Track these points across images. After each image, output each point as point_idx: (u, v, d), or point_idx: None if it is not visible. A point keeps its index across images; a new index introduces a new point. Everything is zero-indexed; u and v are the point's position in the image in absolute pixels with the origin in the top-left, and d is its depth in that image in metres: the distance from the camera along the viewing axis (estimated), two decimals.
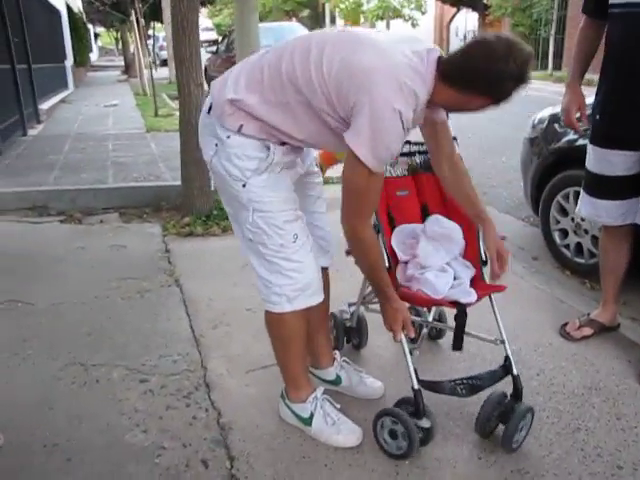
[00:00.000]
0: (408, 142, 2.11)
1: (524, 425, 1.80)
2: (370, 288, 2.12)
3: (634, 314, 2.81)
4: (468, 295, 1.84)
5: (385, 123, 1.48)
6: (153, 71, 14.70)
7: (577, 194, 3.15)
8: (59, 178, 4.95)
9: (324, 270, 1.98)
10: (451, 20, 27.11)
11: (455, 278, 1.93)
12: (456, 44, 27.41)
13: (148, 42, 13.86)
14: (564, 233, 3.34)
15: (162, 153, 6.14)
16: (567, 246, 3.31)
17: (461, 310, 1.80)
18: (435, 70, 1.54)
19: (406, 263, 1.97)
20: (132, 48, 21.62)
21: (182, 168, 4.15)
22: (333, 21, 32.78)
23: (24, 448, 1.82)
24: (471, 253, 2.03)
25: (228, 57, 13.53)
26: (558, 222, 3.34)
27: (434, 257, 1.93)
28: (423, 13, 23.78)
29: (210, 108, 1.73)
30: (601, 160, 2.35)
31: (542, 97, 12.42)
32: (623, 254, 2.51)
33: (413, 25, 23.49)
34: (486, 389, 1.84)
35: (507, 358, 1.88)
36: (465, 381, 1.82)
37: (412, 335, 1.78)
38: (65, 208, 4.43)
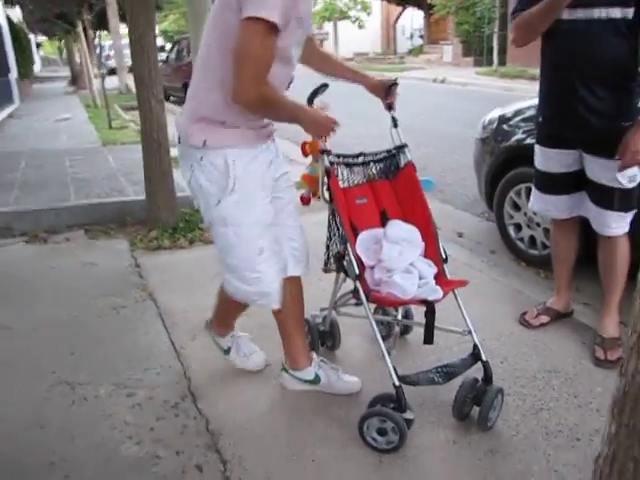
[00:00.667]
0: (363, 154, 2.27)
1: (496, 405, 1.98)
2: (339, 295, 2.28)
3: (586, 299, 3.02)
4: (435, 292, 1.99)
5: None
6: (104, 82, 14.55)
7: (528, 190, 3.37)
8: (19, 198, 4.91)
9: (298, 278, 2.16)
10: (397, 19, 27.59)
11: (420, 277, 2.08)
12: (403, 42, 27.90)
13: (96, 52, 13.60)
14: (518, 227, 3.55)
15: (121, 167, 6.14)
16: (521, 239, 3.52)
17: (430, 307, 1.95)
18: None
19: (372, 268, 2.10)
20: (78, 58, 21.25)
21: (146, 183, 4.20)
22: None
23: (21, 469, 1.88)
24: (431, 252, 2.18)
25: (179, 66, 13.46)
26: (512, 217, 3.55)
27: (398, 260, 2.07)
28: (369, 14, 24.11)
29: (179, 138, 1.97)
30: (546, 159, 2.55)
31: (490, 93, 12.87)
32: (572, 245, 2.71)
33: (360, 26, 23.80)
34: (459, 375, 2.00)
35: (475, 346, 2.05)
36: (440, 369, 1.98)
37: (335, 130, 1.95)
38: (29, 228, 4.41)
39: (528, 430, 1.98)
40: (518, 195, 3.48)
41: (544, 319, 2.73)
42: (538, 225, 3.38)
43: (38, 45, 41.24)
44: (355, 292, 2.00)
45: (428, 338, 1.96)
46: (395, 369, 1.91)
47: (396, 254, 2.06)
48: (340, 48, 24.17)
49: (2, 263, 3.76)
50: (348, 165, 2.23)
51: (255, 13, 1.63)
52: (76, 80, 19.16)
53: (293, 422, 2.08)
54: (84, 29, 12.65)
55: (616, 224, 2.42)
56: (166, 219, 4.12)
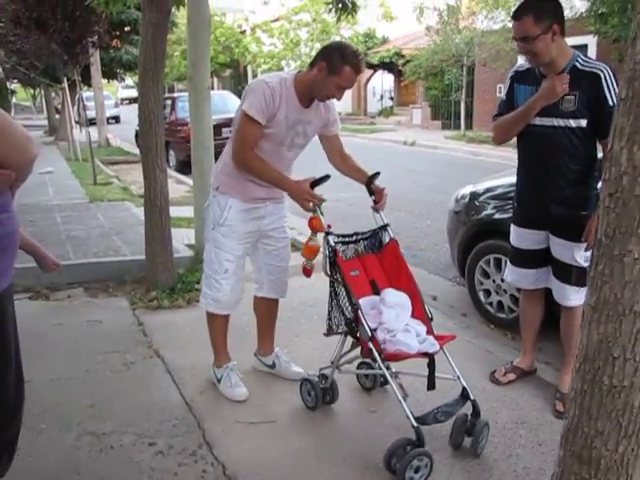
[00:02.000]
0: (356, 233, 2.73)
1: (484, 436, 2.41)
2: (338, 354, 2.65)
3: (548, 358, 3.43)
4: (434, 346, 2.43)
5: (253, 87, 2.63)
6: (82, 134, 14.85)
7: (496, 260, 3.84)
8: (19, 254, 5.15)
9: (275, 300, 3.12)
10: (368, 81, 28.82)
11: (417, 335, 2.47)
12: (374, 103, 29.13)
13: (78, 105, 13.95)
14: (487, 293, 3.98)
15: (113, 225, 6.43)
16: (490, 304, 3.95)
17: (432, 359, 2.35)
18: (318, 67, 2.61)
19: (374, 330, 2.48)
20: (57, 106, 21.51)
21: (146, 245, 4.51)
22: None
23: None
24: (418, 313, 2.60)
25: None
26: (482, 283, 3.99)
27: (396, 322, 2.49)
28: None
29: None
30: (519, 237, 3.01)
31: (458, 157, 13.64)
32: (538, 312, 3.14)
33: None
34: (456, 413, 2.40)
35: (464, 389, 2.46)
36: (441, 410, 2.37)
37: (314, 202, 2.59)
38: (31, 285, 4.65)
39: (500, 473, 2.34)
40: (487, 264, 3.92)
41: (511, 377, 3.12)
42: (505, 292, 3.81)
43: (12, 92, 41.51)
44: (368, 352, 2.38)
45: (431, 384, 2.36)
46: (412, 413, 2.27)
47: (394, 317, 2.47)
48: None
49: None
50: (344, 243, 2.65)
51: (244, 108, 2.59)
52: (55, 131, 19.42)
53: (299, 465, 2.40)
54: (69, 85, 13.07)
55: (574, 296, 2.84)
56: (165, 280, 4.43)
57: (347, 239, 2.69)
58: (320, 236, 2.66)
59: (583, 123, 2.64)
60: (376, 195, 2.77)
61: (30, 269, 4.80)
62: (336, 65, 2.56)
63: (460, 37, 16.55)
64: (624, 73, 0.95)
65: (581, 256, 2.77)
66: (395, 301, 2.57)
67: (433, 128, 20.31)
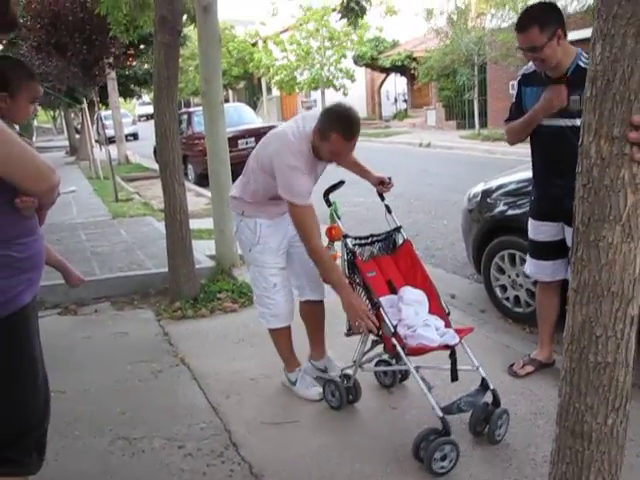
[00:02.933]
0: (371, 235, 2.84)
1: (502, 423, 2.48)
2: (361, 353, 2.73)
3: None
4: (454, 339, 2.52)
5: (287, 175, 2.58)
6: (102, 152, 15.19)
7: (510, 256, 3.89)
8: (48, 272, 5.33)
9: (319, 302, 3.08)
10: (381, 85, 28.92)
11: (436, 329, 2.56)
12: (388, 107, 29.22)
13: (97, 124, 14.29)
14: (504, 288, 4.02)
15: (136, 240, 6.60)
16: (507, 299, 4.00)
17: (453, 351, 2.46)
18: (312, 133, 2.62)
19: (395, 327, 2.56)
20: (77, 126, 22.02)
21: (169, 257, 4.65)
22: (269, 91, 34.22)
23: None
24: (435, 309, 2.69)
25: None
26: (498, 279, 4.04)
27: (415, 318, 2.59)
28: (353, 81, 25.36)
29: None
30: (536, 229, 3.10)
31: (474, 156, 13.63)
32: (554, 305, 3.19)
33: (344, 94, 24.99)
34: (479, 403, 2.50)
35: (484, 379, 2.55)
36: (463, 400, 2.47)
37: (375, 328, 2.52)
38: (59, 301, 4.82)
39: (519, 461, 2.40)
40: (502, 260, 3.97)
41: (529, 369, 3.17)
42: (521, 286, 3.86)
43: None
44: (392, 347, 2.48)
45: (454, 376, 2.48)
46: (438, 403, 2.37)
47: (413, 313, 2.56)
48: None
49: (42, 334, 4.15)
50: (360, 245, 2.75)
51: (297, 202, 2.60)
52: (75, 151, 19.88)
53: (323, 462, 2.48)
54: (89, 105, 13.42)
55: None
56: (188, 291, 4.56)
57: (363, 241, 2.80)
58: (337, 245, 2.77)
59: None
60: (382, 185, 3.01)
61: (58, 286, 4.99)
62: (325, 132, 2.54)
63: (470, 37, 16.57)
64: (588, 73, 1.03)
65: None
66: (413, 298, 2.67)
67: (448, 128, 20.31)
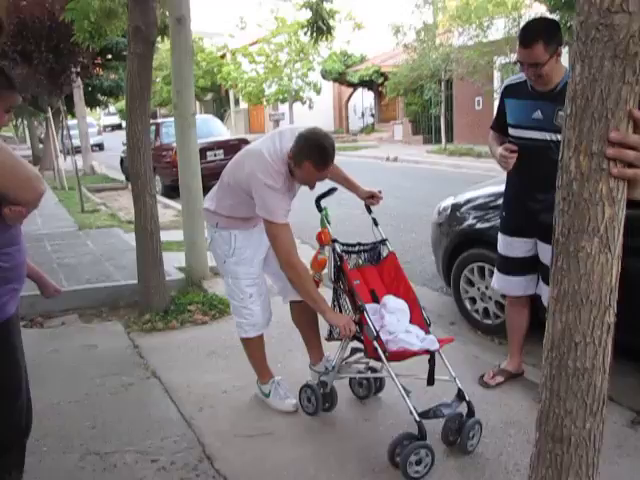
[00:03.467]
0: (359, 244, 2.91)
1: (474, 433, 2.51)
2: (339, 359, 2.78)
3: (535, 361, 3.54)
4: (434, 344, 2.58)
5: (265, 195, 2.58)
6: (66, 163, 14.92)
7: (480, 268, 3.97)
8: None
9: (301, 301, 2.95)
10: (349, 99, 29.21)
11: (416, 335, 2.64)
12: (355, 121, 29.53)
13: (64, 134, 14.04)
14: (473, 300, 4.10)
15: (103, 252, 6.49)
16: (476, 311, 4.08)
17: (432, 355, 2.52)
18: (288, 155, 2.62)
19: (377, 331, 2.59)
20: (40, 136, 21.59)
21: (139, 269, 4.59)
22: (237, 103, 34.20)
23: None
24: (417, 319, 2.76)
25: None
26: (467, 292, 4.11)
27: (398, 325, 2.64)
28: (318, 93, 25.54)
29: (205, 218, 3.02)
30: (507, 245, 3.14)
31: (441, 170, 13.84)
32: (524, 317, 3.26)
33: (310, 107, 25.18)
34: (454, 410, 2.55)
35: (460, 390, 2.59)
36: (441, 407, 2.52)
37: (353, 330, 2.61)
38: (25, 313, 4.67)
39: (491, 470, 2.44)
40: (471, 273, 4.05)
41: (499, 379, 3.24)
42: (490, 298, 3.94)
43: None
44: (373, 351, 2.52)
45: (431, 380, 2.55)
46: (415, 408, 2.41)
47: (395, 321, 2.61)
48: None
49: None
50: (348, 252, 2.79)
51: (273, 220, 2.62)
52: (39, 161, 19.45)
53: (299, 474, 2.48)
54: (54, 113, 13.18)
55: None
56: (158, 303, 4.50)
57: (350, 249, 2.86)
58: (327, 248, 2.82)
59: None
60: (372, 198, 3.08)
61: (24, 297, 4.88)
62: (298, 158, 2.56)
63: (437, 53, 16.90)
64: (567, 92, 1.09)
65: None
66: (396, 306, 2.73)
67: (415, 143, 20.62)
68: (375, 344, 2.52)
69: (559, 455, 1.21)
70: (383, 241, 2.93)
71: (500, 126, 3.06)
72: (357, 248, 2.86)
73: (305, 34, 5.47)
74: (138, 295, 4.65)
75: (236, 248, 2.87)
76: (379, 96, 26.26)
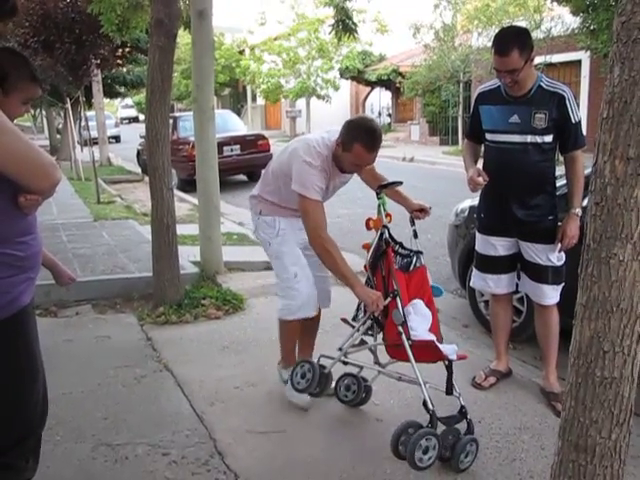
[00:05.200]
0: (401, 245, 2.88)
1: (469, 452, 2.45)
2: (349, 344, 2.79)
3: (525, 358, 3.60)
4: (453, 354, 2.56)
5: (302, 169, 2.69)
6: (83, 153, 15.01)
7: None
8: None
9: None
10: (366, 98, 29.14)
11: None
12: None
13: (82, 125, 14.11)
14: (488, 304, 4.05)
15: (118, 243, 6.51)
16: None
17: (450, 364, 2.51)
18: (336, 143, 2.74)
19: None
20: (58, 126, 21.77)
21: (154, 262, 4.60)
22: (254, 99, 34.24)
23: None
24: (435, 331, 2.72)
25: None
26: (482, 295, 4.08)
27: (420, 326, 2.64)
28: (336, 90, 25.49)
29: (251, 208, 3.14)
30: (486, 244, 3.18)
31: (457, 172, 13.70)
32: (509, 315, 3.33)
33: (327, 101, 25.11)
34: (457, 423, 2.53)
35: (462, 407, 2.55)
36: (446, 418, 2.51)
37: (381, 307, 2.60)
38: (39, 302, 4.72)
39: (504, 477, 2.42)
40: None
41: (492, 380, 3.25)
42: None
43: None
44: (396, 336, 2.53)
45: (449, 390, 2.52)
46: (430, 398, 2.41)
47: (419, 323, 2.63)
48: (312, 124, 25.49)
49: None
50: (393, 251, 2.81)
51: (305, 194, 2.70)
52: (56, 151, 19.61)
53: (310, 473, 2.47)
54: (71, 105, 13.27)
55: (551, 294, 3.03)
56: (172, 296, 4.51)
57: (393, 244, 2.82)
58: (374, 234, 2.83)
59: (547, 139, 2.87)
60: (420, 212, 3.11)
61: (39, 286, 4.91)
62: (347, 142, 2.66)
63: (456, 54, 16.80)
64: (604, 95, 1.06)
65: (555, 256, 2.97)
66: (423, 312, 2.72)
67: (431, 144, 20.51)
68: (400, 329, 2.51)
69: (582, 465, 1.18)
70: (419, 252, 2.92)
71: (475, 134, 3.15)
72: (397, 248, 2.84)
73: (330, 33, 5.44)
74: (152, 288, 4.66)
75: (280, 229, 2.96)
76: (396, 96, 26.16)
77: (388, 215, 2.84)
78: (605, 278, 1.07)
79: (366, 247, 2.84)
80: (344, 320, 2.91)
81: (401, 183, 2.94)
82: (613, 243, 1.05)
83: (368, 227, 2.80)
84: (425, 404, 2.42)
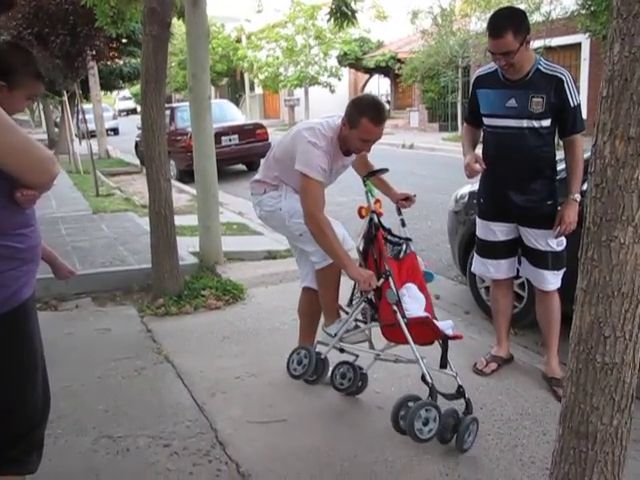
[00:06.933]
0: (390, 231, 2.87)
1: (471, 432, 2.45)
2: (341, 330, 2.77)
3: (526, 343, 3.59)
4: (449, 329, 2.57)
5: (306, 148, 2.69)
6: (81, 147, 14.94)
7: None
8: None
9: (316, 292, 3.03)
10: (364, 85, 28.96)
11: None
12: None
13: (79, 118, 14.02)
14: (489, 290, 4.02)
15: (117, 236, 6.49)
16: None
17: (446, 339, 2.51)
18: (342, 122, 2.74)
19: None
20: (55, 120, 21.67)
21: (152, 253, 4.58)
22: (252, 88, 34.06)
23: None
24: (429, 308, 2.71)
25: None
26: (483, 281, 4.05)
27: (414, 308, 2.62)
28: (340, 79, 25.37)
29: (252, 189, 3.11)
30: (486, 229, 3.16)
31: (456, 158, 13.65)
32: (510, 300, 3.31)
33: (331, 91, 25.01)
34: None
35: (460, 386, 2.56)
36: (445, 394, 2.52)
37: (373, 285, 2.58)
38: (39, 296, 4.71)
39: (506, 463, 2.41)
40: None
41: (493, 366, 3.24)
42: None
43: None
44: (391, 314, 2.52)
45: (443, 363, 2.53)
46: (428, 372, 2.42)
47: (413, 305, 2.61)
48: (310, 113, 25.38)
49: None
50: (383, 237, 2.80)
51: (306, 173, 2.70)
52: (54, 145, 19.53)
53: (311, 461, 2.47)
54: (69, 98, 13.19)
55: (552, 280, 3.01)
56: (172, 287, 4.50)
57: (383, 231, 2.82)
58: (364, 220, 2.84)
59: (545, 123, 2.83)
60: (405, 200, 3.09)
61: (39, 280, 4.90)
62: (354, 119, 2.67)
63: (454, 39, 16.66)
64: (604, 74, 1.03)
65: (554, 242, 2.94)
66: (417, 296, 2.71)
67: (431, 130, 20.41)
68: (395, 308, 2.51)
69: (584, 452, 1.17)
70: (408, 240, 2.90)
71: (474, 117, 3.11)
72: (386, 235, 2.83)
73: (328, 21, 5.38)
74: (152, 279, 4.65)
75: (287, 192, 2.93)
76: (395, 83, 26.00)
77: (378, 201, 2.85)
78: (606, 262, 1.05)
79: (359, 234, 2.85)
80: (339, 307, 2.91)
81: (387, 170, 2.94)
82: (614, 226, 1.02)
83: (361, 215, 2.82)
84: (424, 377, 2.44)
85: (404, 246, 2.86)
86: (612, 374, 1.10)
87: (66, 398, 3.05)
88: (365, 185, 2.87)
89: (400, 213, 3.06)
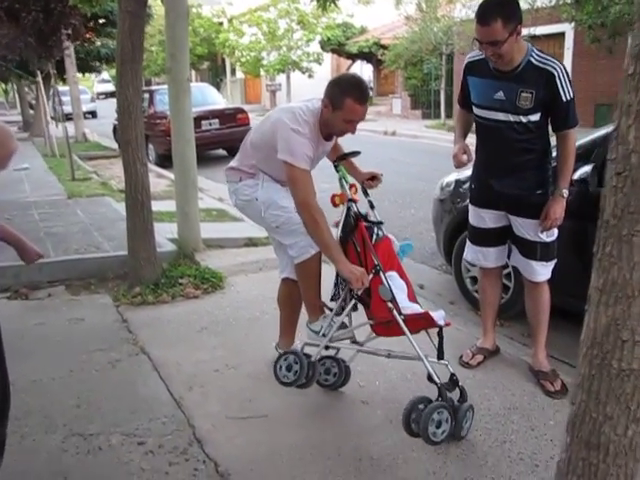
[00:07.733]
0: (366, 217, 2.73)
1: (467, 419, 2.41)
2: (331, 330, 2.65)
3: (512, 335, 3.54)
4: (442, 319, 2.47)
5: (289, 137, 2.56)
6: (58, 129, 14.57)
7: None
8: None
9: (296, 284, 2.90)
10: (347, 71, 28.75)
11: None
12: None
13: (55, 100, 13.62)
14: (474, 280, 3.96)
15: (93, 221, 6.30)
16: (477, 291, 3.93)
17: (441, 329, 2.44)
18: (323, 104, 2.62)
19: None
20: (31, 101, 21.13)
21: (128, 240, 4.42)
22: (233, 73, 33.63)
23: None
24: (412, 296, 2.63)
25: None
26: (469, 271, 3.98)
27: (402, 296, 2.54)
28: (320, 64, 25.11)
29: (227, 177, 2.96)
30: (477, 216, 3.08)
31: (439, 146, 13.62)
32: (497, 290, 3.25)
33: (310, 76, 24.75)
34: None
35: (453, 374, 2.48)
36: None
37: (366, 284, 2.49)
38: (9, 284, 4.54)
39: (494, 459, 2.33)
40: None
41: (479, 358, 3.17)
42: None
43: None
44: (387, 312, 2.43)
45: (441, 354, 2.45)
46: (435, 372, 2.34)
47: (397, 291, 2.50)
48: (292, 98, 25.09)
49: None
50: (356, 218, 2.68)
51: (292, 162, 2.57)
52: (29, 127, 19.04)
53: (294, 460, 2.36)
54: (44, 78, 12.81)
55: (542, 271, 2.93)
56: (149, 275, 4.35)
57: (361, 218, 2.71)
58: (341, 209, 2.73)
59: (534, 118, 2.72)
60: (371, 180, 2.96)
61: (8, 268, 4.73)
62: (337, 99, 2.56)
63: (438, 26, 16.53)
64: (630, 49, 0.92)
65: (544, 232, 2.86)
66: (399, 284, 2.60)
67: (413, 117, 20.31)
68: (390, 305, 2.41)
69: (594, 464, 1.07)
70: (380, 223, 2.75)
71: (465, 102, 3.01)
72: (364, 218, 2.72)
73: (310, 2, 5.22)
74: (128, 267, 4.49)
75: (264, 180, 2.81)
76: (378, 69, 25.82)
77: (352, 186, 2.74)
78: (626, 258, 0.95)
79: (337, 224, 2.71)
80: (322, 304, 2.80)
81: (359, 153, 2.83)
82: (637, 219, 0.92)
83: (334, 204, 2.69)
84: (431, 378, 2.37)
85: (376, 229, 2.74)
86: (629, 381, 1.01)
87: (34, 393, 2.91)
88: (338, 171, 2.75)
89: (367, 194, 2.91)
